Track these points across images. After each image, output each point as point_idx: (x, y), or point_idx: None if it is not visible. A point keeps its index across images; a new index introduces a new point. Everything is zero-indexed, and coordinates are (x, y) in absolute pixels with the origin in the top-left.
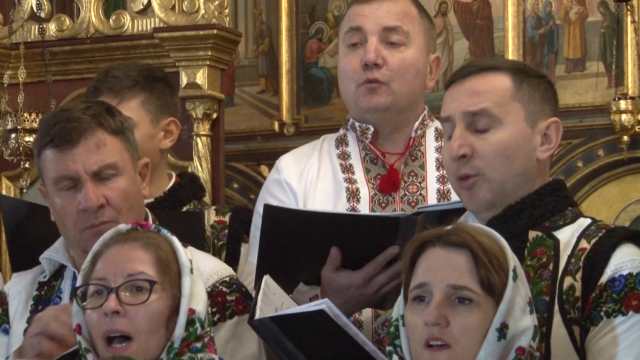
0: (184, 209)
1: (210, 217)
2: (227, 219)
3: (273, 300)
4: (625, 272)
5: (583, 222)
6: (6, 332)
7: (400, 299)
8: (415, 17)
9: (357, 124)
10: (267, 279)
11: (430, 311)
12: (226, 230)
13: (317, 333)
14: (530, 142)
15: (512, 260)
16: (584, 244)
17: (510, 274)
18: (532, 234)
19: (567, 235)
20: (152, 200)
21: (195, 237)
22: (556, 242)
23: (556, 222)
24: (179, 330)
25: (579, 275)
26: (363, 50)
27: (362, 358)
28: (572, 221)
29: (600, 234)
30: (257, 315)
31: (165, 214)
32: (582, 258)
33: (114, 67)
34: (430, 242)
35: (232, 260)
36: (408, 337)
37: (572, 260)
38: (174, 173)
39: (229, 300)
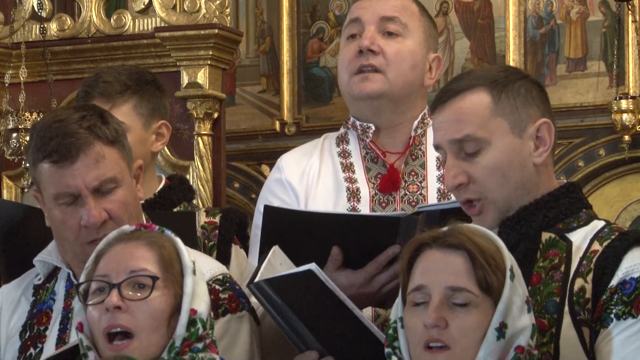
0: (174, 210)
1: (201, 218)
2: (217, 220)
3: (278, 269)
4: (636, 275)
5: (597, 225)
6: None
7: (399, 301)
8: (415, 12)
9: (357, 122)
10: (275, 249)
11: (429, 314)
12: (216, 231)
13: (310, 297)
14: (521, 152)
15: (509, 259)
16: (596, 246)
17: (508, 273)
18: (545, 236)
19: (580, 238)
20: (143, 201)
21: (186, 237)
22: (569, 244)
23: (570, 224)
24: (180, 330)
25: (589, 277)
26: (360, 39)
27: (352, 324)
28: (586, 223)
29: (612, 237)
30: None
31: (156, 215)
32: (594, 260)
33: (104, 72)
34: (427, 244)
35: (223, 261)
36: (407, 339)
37: (584, 262)
38: (163, 175)
39: (221, 298)
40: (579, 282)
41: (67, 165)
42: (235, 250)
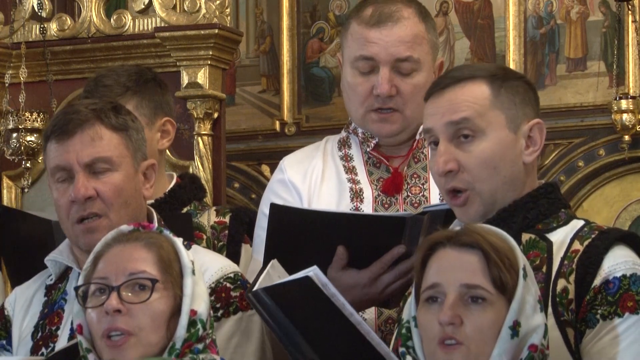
0: (184, 210)
1: (211, 217)
2: (227, 219)
3: (276, 281)
4: (619, 274)
5: (576, 224)
6: (2, 347)
7: (412, 300)
8: (424, 36)
9: (359, 130)
10: (274, 262)
11: (445, 311)
12: (226, 231)
13: (308, 305)
14: (514, 148)
15: (522, 259)
16: (577, 245)
17: (521, 272)
18: (526, 237)
19: (560, 237)
20: (153, 201)
21: (184, 239)
22: (549, 244)
23: (549, 224)
24: (181, 331)
25: (572, 278)
26: (375, 79)
27: (349, 331)
28: (566, 223)
29: (593, 236)
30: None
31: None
32: (575, 260)
33: (103, 75)
34: (441, 243)
35: (233, 260)
36: (421, 338)
37: (565, 262)
38: (174, 174)
39: (233, 296)
40: (561, 283)
41: (64, 140)
42: (245, 250)
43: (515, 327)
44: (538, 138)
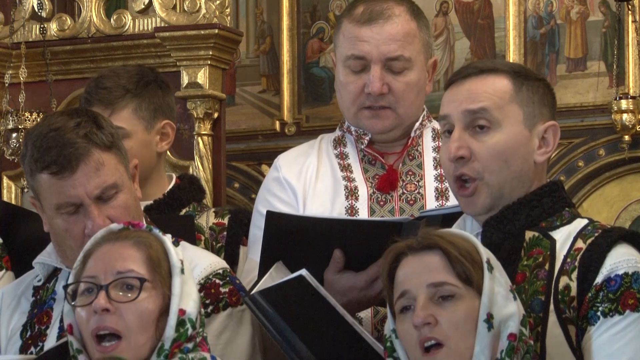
0: (183, 211)
1: (209, 219)
2: (225, 221)
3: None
4: (620, 272)
5: (580, 223)
6: None
7: (388, 314)
8: (416, 34)
9: (353, 128)
10: (279, 264)
11: (417, 313)
12: (225, 233)
13: (302, 305)
14: (527, 145)
15: (484, 253)
16: (580, 243)
17: (485, 265)
18: (529, 234)
19: (563, 236)
20: (152, 202)
21: (186, 241)
22: (552, 242)
23: (553, 222)
24: (170, 331)
25: (574, 275)
26: (367, 77)
27: (344, 331)
28: (569, 222)
29: (596, 234)
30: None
31: (156, 219)
32: (578, 258)
33: (104, 76)
34: (403, 253)
35: (231, 262)
36: (404, 348)
37: (568, 260)
38: (174, 175)
39: (222, 292)
40: (563, 280)
41: (67, 176)
42: (244, 252)
43: (489, 320)
44: (551, 140)
